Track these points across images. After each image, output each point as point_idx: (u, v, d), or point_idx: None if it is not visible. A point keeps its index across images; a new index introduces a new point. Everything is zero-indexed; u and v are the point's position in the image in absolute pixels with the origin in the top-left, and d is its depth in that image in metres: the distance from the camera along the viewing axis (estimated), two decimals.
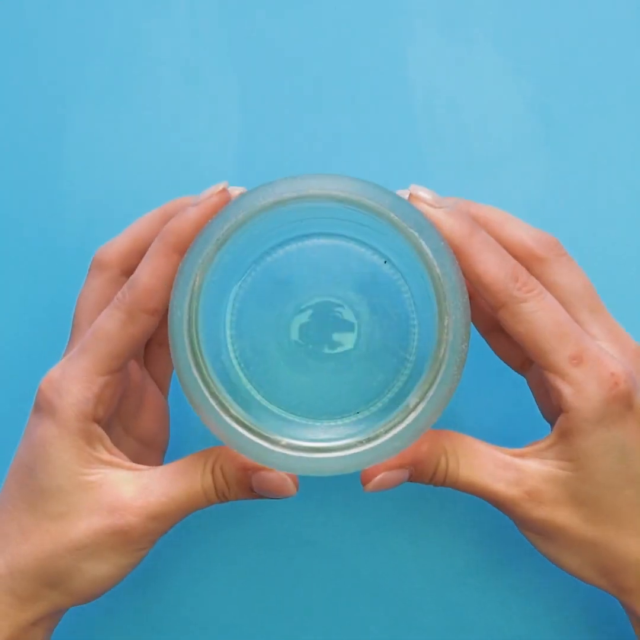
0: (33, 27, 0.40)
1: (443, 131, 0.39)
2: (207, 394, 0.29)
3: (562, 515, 0.30)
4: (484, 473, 0.30)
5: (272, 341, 0.34)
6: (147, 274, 0.30)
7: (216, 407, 0.29)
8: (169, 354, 0.30)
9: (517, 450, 0.31)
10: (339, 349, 0.34)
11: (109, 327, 0.30)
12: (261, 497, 0.30)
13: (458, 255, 0.29)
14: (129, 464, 0.31)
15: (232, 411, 0.29)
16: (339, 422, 0.33)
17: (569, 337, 0.29)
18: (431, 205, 0.30)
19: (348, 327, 0.34)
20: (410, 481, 0.31)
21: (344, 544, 0.38)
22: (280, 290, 0.34)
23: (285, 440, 0.28)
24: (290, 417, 0.33)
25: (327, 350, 0.34)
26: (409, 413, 0.28)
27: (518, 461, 0.30)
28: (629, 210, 0.39)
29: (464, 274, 0.29)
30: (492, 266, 0.29)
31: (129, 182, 0.39)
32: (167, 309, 0.30)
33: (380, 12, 0.40)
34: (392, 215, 0.29)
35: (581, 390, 0.29)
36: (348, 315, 0.34)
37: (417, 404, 0.28)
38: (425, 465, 0.30)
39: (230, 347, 0.34)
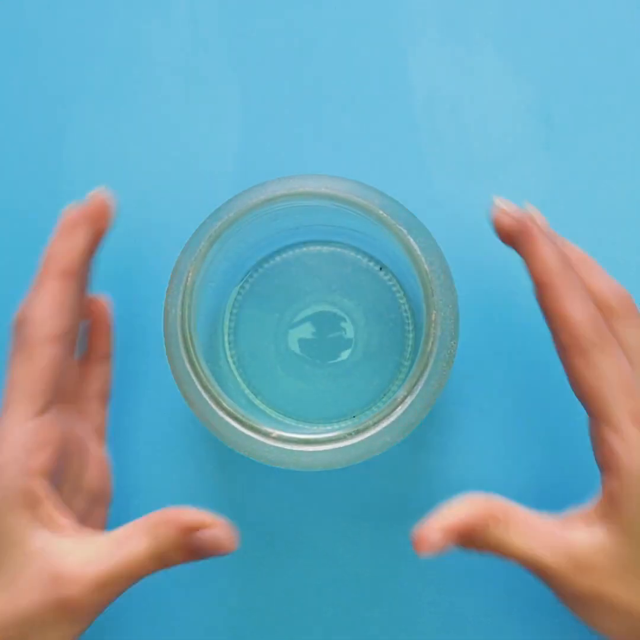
0: (33, 27, 0.40)
1: (444, 132, 0.39)
2: (199, 387, 0.29)
3: (610, 586, 0.29)
4: (533, 543, 0.30)
5: (270, 346, 0.34)
6: (33, 306, 0.31)
7: (209, 400, 0.29)
8: (106, 368, 0.33)
9: (564, 519, 0.30)
10: (336, 354, 0.34)
11: (17, 373, 0.30)
12: (204, 557, 0.29)
13: (545, 288, 0.29)
14: (72, 528, 0.30)
15: (225, 404, 0.29)
16: (335, 426, 0.34)
17: (633, 394, 0.29)
18: (538, 230, 0.29)
19: (344, 332, 0.34)
20: (459, 546, 0.30)
21: (342, 546, 0.38)
22: (278, 297, 0.34)
23: (276, 433, 0.29)
24: (287, 420, 0.34)
25: (323, 356, 0.34)
26: (397, 406, 0.29)
27: (566, 531, 0.30)
28: (630, 212, 0.39)
29: (544, 308, 0.29)
30: (578, 310, 0.29)
31: (130, 183, 0.39)
32: (70, 331, 0.30)
33: (381, 13, 0.39)
34: (380, 212, 0.29)
35: (634, 448, 0.29)
36: (344, 321, 0.34)
37: (405, 397, 0.29)
38: (476, 533, 0.30)
39: (228, 352, 0.34)
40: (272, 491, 0.37)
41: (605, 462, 0.30)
